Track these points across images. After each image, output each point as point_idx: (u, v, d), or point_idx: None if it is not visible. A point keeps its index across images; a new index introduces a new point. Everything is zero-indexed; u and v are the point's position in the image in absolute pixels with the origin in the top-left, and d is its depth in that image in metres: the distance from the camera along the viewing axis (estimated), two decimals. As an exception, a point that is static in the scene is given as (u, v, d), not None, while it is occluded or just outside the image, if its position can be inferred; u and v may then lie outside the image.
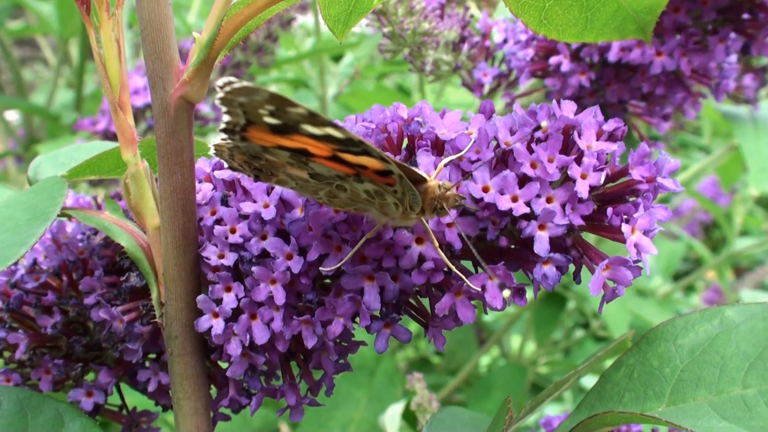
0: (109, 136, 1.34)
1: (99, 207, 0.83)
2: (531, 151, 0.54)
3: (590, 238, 0.59)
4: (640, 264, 0.54)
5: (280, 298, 0.58)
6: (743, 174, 1.74)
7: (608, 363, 0.66)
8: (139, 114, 1.31)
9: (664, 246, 2.04)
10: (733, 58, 0.87)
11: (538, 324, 1.64)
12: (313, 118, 0.48)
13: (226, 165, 0.57)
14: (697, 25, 0.84)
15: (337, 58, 1.94)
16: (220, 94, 0.48)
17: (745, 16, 0.83)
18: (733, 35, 0.84)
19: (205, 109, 1.38)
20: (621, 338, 0.67)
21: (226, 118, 0.50)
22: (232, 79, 0.47)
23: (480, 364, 1.73)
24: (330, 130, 0.48)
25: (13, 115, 2.26)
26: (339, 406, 1.39)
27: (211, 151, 0.55)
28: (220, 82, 0.47)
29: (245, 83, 0.47)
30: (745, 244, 2.20)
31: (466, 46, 0.99)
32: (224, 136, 0.52)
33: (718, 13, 0.82)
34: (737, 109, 1.25)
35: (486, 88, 0.99)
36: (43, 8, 1.92)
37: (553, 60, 0.89)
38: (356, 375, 1.45)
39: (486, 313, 0.57)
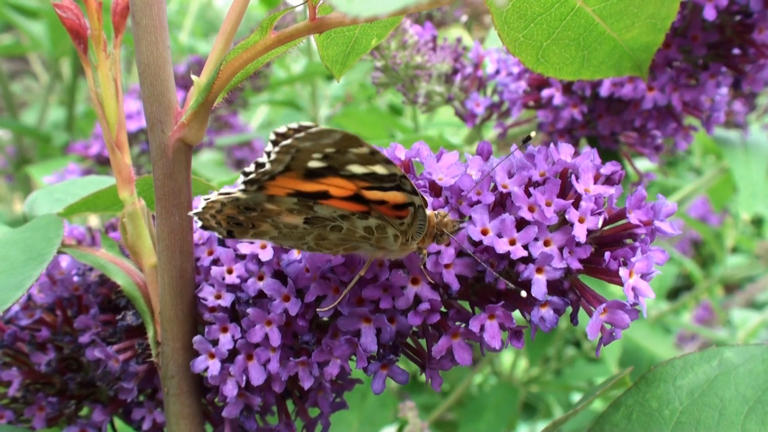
0: (101, 160, 1.34)
1: (93, 239, 0.83)
2: (529, 194, 0.55)
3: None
4: (637, 307, 0.54)
5: (276, 339, 0.58)
6: (734, 195, 1.75)
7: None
8: (132, 138, 1.31)
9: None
10: (724, 90, 0.88)
11: (530, 342, 1.64)
12: (370, 157, 0.46)
13: (198, 224, 0.56)
14: (688, 60, 0.85)
15: (329, 77, 1.94)
16: (287, 141, 0.45)
17: (736, 51, 0.84)
18: (723, 70, 0.85)
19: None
20: (619, 375, 0.67)
21: (266, 166, 0.47)
22: (306, 123, 0.45)
23: (472, 382, 1.72)
24: (377, 168, 0.47)
25: (3, 132, 2.25)
26: (331, 429, 1.38)
27: (194, 211, 0.54)
28: (283, 127, 0.45)
29: (322, 127, 0.45)
30: (735, 261, 2.20)
31: (458, 78, 0.99)
32: (240, 188, 0.51)
33: (708, 48, 0.83)
34: (728, 133, 1.27)
35: (478, 119, 1.00)
36: (33, 27, 1.91)
37: (545, 93, 0.89)
38: (348, 397, 1.44)
39: (483, 354, 0.57)
